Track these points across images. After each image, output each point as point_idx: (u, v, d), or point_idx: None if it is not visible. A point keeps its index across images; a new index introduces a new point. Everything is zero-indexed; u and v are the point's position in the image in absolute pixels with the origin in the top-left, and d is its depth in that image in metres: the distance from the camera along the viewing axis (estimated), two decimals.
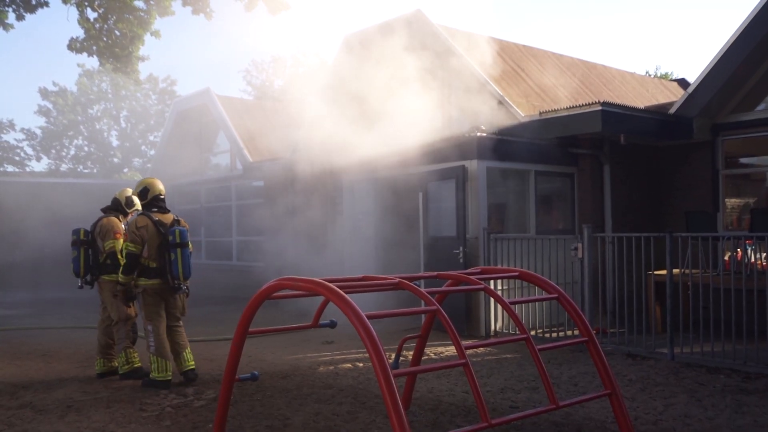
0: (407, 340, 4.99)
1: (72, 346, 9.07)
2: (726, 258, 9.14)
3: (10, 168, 38.33)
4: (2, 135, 38.88)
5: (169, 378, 6.62)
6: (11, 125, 39.12)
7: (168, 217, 6.98)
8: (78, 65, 44.03)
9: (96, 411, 5.72)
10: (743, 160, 11.22)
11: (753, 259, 8.29)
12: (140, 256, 6.72)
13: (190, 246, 7.00)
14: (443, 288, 4.68)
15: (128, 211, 7.56)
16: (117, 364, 7.08)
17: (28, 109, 61.30)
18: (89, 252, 7.22)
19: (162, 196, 7.07)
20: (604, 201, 10.73)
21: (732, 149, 10.72)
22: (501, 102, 10.97)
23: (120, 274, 6.79)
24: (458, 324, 9.09)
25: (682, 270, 8.21)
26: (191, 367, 6.81)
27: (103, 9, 10.92)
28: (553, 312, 9.40)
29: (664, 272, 7.96)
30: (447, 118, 12.17)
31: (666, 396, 6.03)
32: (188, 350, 6.92)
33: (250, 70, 39.91)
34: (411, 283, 3.95)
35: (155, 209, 6.96)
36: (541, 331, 9.18)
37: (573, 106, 10.22)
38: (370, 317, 3.43)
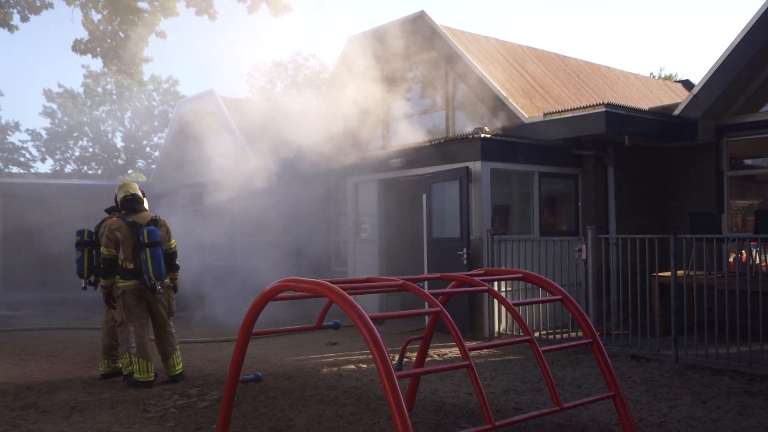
0: (411, 341, 4.98)
1: (76, 347, 9.08)
2: (730, 260, 9.13)
3: (15, 169, 38.49)
4: (7, 136, 39.06)
5: (152, 378, 6.65)
6: (16, 126, 39.33)
7: (145, 217, 6.97)
8: (82, 66, 44.26)
9: (100, 412, 5.73)
10: (748, 162, 11.19)
11: (758, 261, 8.27)
12: (116, 259, 6.74)
13: (174, 244, 6.99)
14: (447, 289, 4.68)
15: None
16: (121, 365, 7.08)
17: (33, 111, 61.55)
18: (93, 253, 7.23)
19: (130, 197, 7.03)
20: (608, 202, 10.71)
21: (736, 150, 10.69)
22: (504, 103, 10.97)
23: (101, 278, 6.85)
24: (462, 325, 9.08)
25: (687, 272, 8.19)
26: (179, 372, 6.87)
27: (107, 11, 10.94)
28: (557, 313, 9.40)
29: (668, 274, 7.94)
30: (451, 119, 12.18)
31: (670, 398, 6.01)
32: (177, 354, 6.92)
33: (252, 73, 39.97)
34: (415, 285, 3.94)
35: (124, 211, 6.98)
36: (545, 332, 9.18)
37: (577, 108, 10.21)
38: (373, 319, 3.43)
